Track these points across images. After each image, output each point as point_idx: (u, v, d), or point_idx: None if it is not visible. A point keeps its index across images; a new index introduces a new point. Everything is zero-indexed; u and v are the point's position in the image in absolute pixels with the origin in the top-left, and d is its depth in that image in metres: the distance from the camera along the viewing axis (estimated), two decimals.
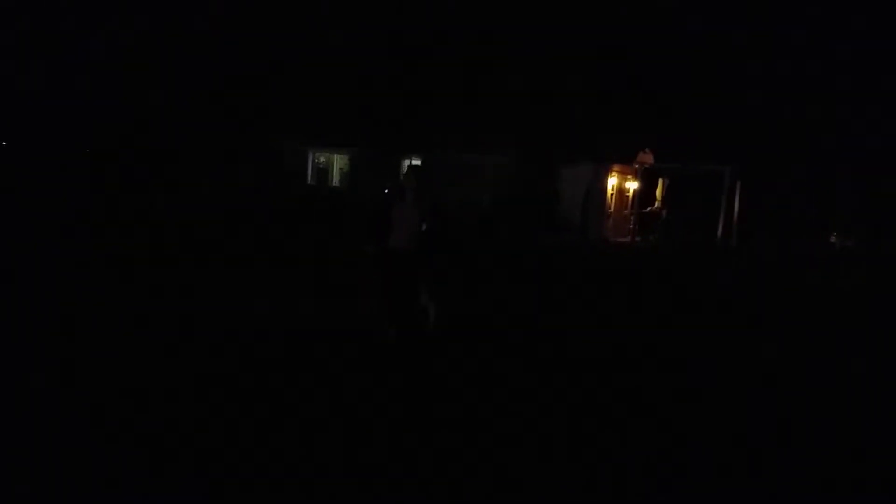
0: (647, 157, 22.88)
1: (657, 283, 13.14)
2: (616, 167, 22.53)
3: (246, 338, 6.41)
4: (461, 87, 22.76)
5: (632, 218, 23.33)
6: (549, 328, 7.95)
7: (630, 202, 23.57)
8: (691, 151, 21.43)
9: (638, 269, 15.41)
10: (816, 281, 14.75)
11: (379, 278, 6.80)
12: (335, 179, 24.80)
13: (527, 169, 22.32)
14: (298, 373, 5.49)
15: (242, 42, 22.72)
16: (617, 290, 11.78)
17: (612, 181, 22.61)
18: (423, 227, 6.61)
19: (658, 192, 24.45)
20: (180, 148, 20.69)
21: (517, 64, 22.80)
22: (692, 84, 22.64)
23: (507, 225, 19.86)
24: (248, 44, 22.85)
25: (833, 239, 21.91)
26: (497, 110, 22.14)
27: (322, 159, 24.95)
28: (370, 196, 19.71)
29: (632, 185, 23.39)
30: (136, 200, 16.24)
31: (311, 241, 13.82)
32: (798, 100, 21.92)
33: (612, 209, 22.77)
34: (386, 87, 23.02)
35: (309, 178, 24.58)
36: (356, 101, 22.84)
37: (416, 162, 23.66)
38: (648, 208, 23.96)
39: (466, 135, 22.28)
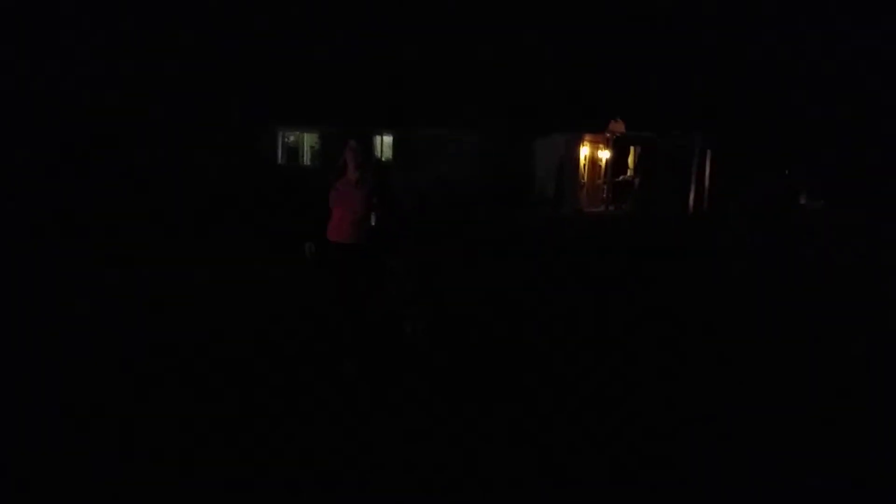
0: (619, 126, 22.91)
1: (636, 255, 13.17)
2: (588, 136, 22.53)
3: (216, 331, 6.19)
4: (433, 62, 22.49)
5: (605, 187, 23.40)
6: (536, 318, 7.64)
7: (603, 171, 23.62)
8: (662, 119, 21.50)
9: (615, 240, 15.46)
10: (787, 244, 14.94)
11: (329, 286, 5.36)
12: (306, 158, 24.44)
13: (499, 142, 22.24)
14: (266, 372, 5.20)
15: (212, 21, 22.15)
16: (599, 264, 11.79)
17: (585, 151, 22.63)
18: (373, 221, 5.23)
19: (630, 160, 24.54)
20: (148, 131, 20.13)
21: (487, 37, 22.57)
22: (662, 51, 22.61)
23: (482, 202, 19.78)
24: (218, 23, 22.28)
25: (803, 201, 22.21)
26: (469, 83, 21.93)
27: (291, 138, 24.58)
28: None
29: (604, 155, 23.42)
30: (104, 185, 15.77)
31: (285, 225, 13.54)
32: (767, 65, 22.02)
33: (586, 179, 22.81)
34: (357, 62, 22.67)
35: (279, 157, 24.22)
36: (325, 77, 22.48)
37: (388, 139, 23.45)
38: (621, 177, 24.05)
39: (438, 109, 22.07)
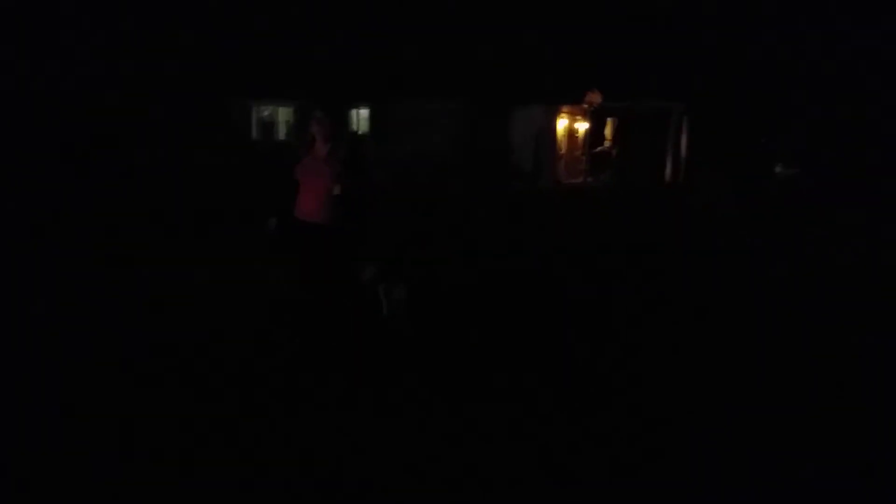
0: (596, 97, 22.89)
1: (617, 228, 13.27)
2: (565, 108, 22.51)
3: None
4: (409, 34, 22.19)
5: (583, 159, 23.45)
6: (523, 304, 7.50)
7: (581, 143, 23.64)
8: (639, 89, 21.50)
9: (595, 213, 15.54)
10: (757, 212, 15.09)
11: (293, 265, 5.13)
12: (281, 134, 24.09)
13: (476, 114, 22.11)
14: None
15: None
16: (582, 240, 11.84)
17: (562, 122, 22.62)
18: (336, 191, 4.76)
19: (607, 131, 24.59)
20: (148, 128, 19.57)
21: (463, 7, 22.29)
22: (639, 20, 22.51)
23: (458, 174, 19.72)
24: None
25: (778, 169, 22.43)
26: (445, 55, 21.70)
27: (266, 113, 24.20)
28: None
29: (581, 126, 23.44)
30: (104, 185, 15.37)
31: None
32: (744, 33, 22.03)
33: (564, 151, 22.83)
34: (332, 34, 22.26)
35: (254, 132, 23.82)
36: (301, 49, 22.04)
37: (364, 112, 23.20)
38: (599, 148, 24.10)
39: (414, 82, 21.85)
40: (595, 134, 23.72)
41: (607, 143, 24.39)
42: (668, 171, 21.91)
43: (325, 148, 4.88)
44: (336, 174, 4.78)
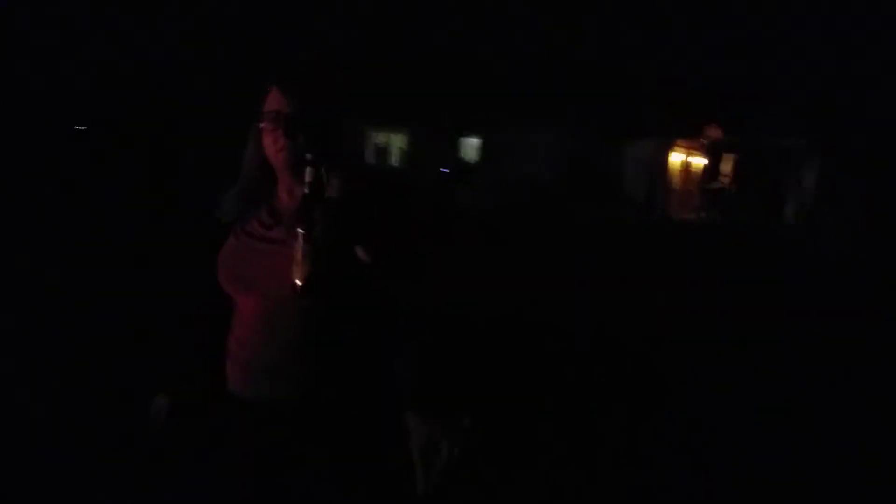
0: (715, 131, 22.06)
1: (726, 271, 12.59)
2: (681, 141, 21.84)
3: None
4: (520, 62, 22.21)
5: (696, 194, 22.63)
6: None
7: (696, 178, 22.84)
8: (763, 126, 20.54)
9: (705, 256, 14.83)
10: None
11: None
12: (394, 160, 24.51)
13: (590, 145, 21.78)
14: None
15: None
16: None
17: (678, 156, 21.93)
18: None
19: (726, 167, 23.65)
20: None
21: (585, 35, 22.12)
22: (766, 54, 21.59)
23: (568, 205, 19.41)
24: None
25: None
26: (559, 84, 21.56)
27: (380, 138, 24.61)
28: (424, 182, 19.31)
29: (698, 161, 22.64)
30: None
31: None
32: (883, 76, 20.68)
33: (677, 185, 22.12)
34: (436, 59, 22.48)
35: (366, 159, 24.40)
36: (403, 74, 22.19)
37: (474, 141, 23.33)
38: (714, 184, 23.20)
39: (525, 110, 21.79)
40: (711, 169, 22.85)
41: (724, 179, 23.44)
42: (789, 212, 20.73)
43: (297, 189, 1.47)
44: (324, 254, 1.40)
